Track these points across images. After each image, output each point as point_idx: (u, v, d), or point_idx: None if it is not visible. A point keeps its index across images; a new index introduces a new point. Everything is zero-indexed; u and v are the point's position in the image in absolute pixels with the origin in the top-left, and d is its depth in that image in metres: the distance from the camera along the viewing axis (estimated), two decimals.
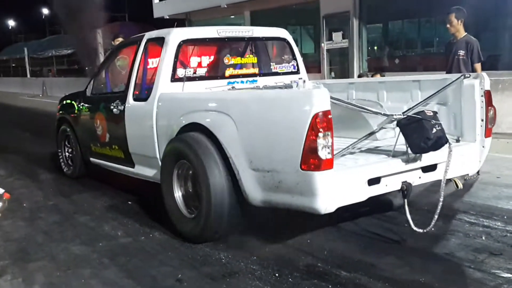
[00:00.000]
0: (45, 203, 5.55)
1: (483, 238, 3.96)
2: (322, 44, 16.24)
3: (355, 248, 3.87)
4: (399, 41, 15.37)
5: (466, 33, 5.86)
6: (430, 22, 14.66)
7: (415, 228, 3.75)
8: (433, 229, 3.81)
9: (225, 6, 18.81)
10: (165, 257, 3.87)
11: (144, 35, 5.16)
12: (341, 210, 3.47)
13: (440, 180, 3.84)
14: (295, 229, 4.23)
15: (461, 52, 5.73)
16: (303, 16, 18.42)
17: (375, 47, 16.73)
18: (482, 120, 4.12)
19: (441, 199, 3.77)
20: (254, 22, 18.91)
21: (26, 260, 3.96)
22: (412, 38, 14.50)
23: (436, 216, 3.75)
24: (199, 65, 4.98)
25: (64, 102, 6.71)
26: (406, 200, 3.74)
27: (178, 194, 4.30)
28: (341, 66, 16.36)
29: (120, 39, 7.65)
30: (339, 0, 15.07)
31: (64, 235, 4.47)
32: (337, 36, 15.80)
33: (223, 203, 3.82)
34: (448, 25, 5.85)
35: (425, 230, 3.76)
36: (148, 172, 4.96)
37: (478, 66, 5.74)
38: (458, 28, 5.80)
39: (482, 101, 4.09)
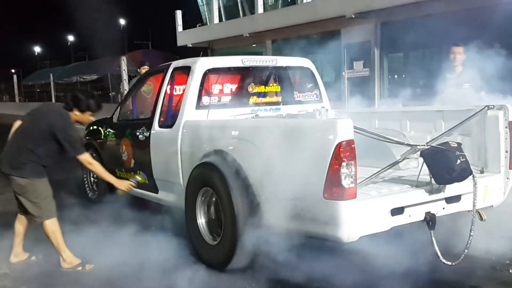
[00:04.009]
0: (70, 227, 5.61)
1: (510, 271, 3.89)
2: (343, 73, 16.35)
3: (382, 280, 3.83)
4: (420, 71, 15.39)
5: None
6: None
7: (444, 261, 3.70)
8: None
9: (247, 35, 19.14)
10: (189, 285, 3.89)
11: (170, 63, 5.29)
12: (364, 240, 3.46)
13: (464, 211, 3.81)
14: (318, 258, 4.21)
15: None
16: (324, 45, 18.57)
17: (396, 76, 16.74)
18: (507, 152, 4.09)
19: (472, 233, 3.74)
20: (275, 51, 19.18)
21: (51, 285, 4.02)
22: (434, 67, 14.53)
23: (466, 251, 3.73)
24: (224, 93, 5.09)
25: (91, 128, 6.84)
26: (432, 232, 3.70)
27: (201, 220, 4.35)
28: (362, 95, 16.39)
29: (146, 67, 7.83)
30: (360, 30, 15.22)
31: (89, 260, 4.52)
32: (358, 65, 15.91)
33: (246, 231, 3.83)
34: None
35: (454, 264, 3.72)
36: (171, 198, 5.02)
37: None
38: None
39: (507, 132, 4.07)
